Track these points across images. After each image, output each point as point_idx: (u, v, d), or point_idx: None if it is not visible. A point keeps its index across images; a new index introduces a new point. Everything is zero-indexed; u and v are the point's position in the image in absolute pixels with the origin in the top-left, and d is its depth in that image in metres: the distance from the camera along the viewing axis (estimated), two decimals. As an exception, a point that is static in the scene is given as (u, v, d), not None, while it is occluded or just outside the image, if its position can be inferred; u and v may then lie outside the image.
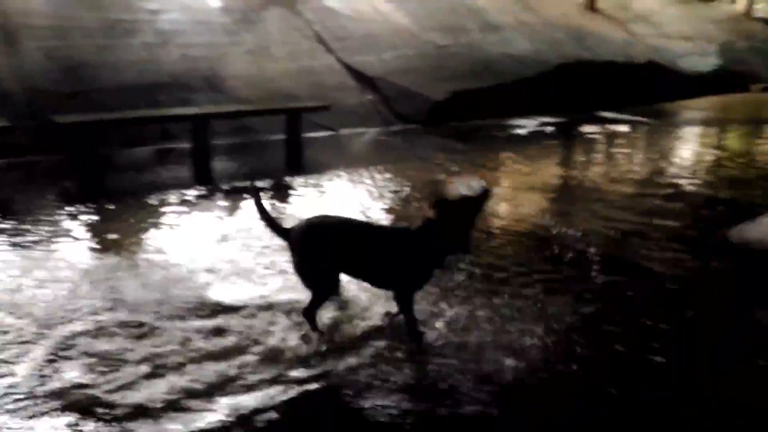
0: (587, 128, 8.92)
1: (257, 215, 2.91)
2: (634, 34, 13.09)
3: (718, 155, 7.63)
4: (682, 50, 13.13)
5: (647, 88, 11.41)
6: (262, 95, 7.67)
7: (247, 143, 7.01)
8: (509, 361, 2.65)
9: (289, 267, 2.89)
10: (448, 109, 8.81)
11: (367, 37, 9.38)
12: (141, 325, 2.88)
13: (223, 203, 5.00)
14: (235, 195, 5.14)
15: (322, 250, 2.76)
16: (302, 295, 2.87)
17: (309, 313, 2.82)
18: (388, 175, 5.87)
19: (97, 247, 4.00)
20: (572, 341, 2.87)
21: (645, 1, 15.53)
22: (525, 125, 8.96)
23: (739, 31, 15.83)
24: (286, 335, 2.80)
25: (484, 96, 9.21)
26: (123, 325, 2.88)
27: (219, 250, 3.85)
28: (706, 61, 13.25)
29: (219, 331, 2.85)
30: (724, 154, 7.79)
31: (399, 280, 2.82)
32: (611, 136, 8.56)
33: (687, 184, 5.92)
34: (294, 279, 2.87)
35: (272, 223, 2.90)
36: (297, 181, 5.66)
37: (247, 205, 4.66)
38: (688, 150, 7.81)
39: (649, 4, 15.38)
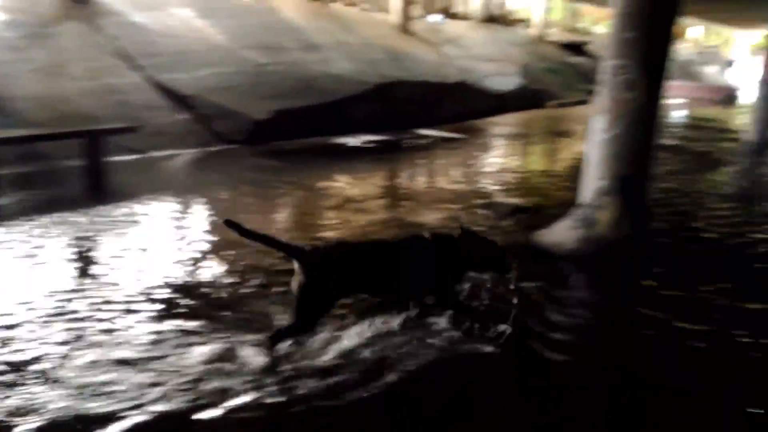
0: (407, 144, 9.28)
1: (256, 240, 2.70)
2: (446, 55, 14.00)
3: (522, 166, 8.31)
4: (488, 71, 14.30)
5: (459, 106, 12.21)
6: (57, 117, 6.86)
7: (39, 171, 6.20)
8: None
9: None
10: (270, 128, 8.62)
11: (179, 53, 8.88)
12: None
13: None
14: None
15: (339, 276, 2.71)
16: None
17: (279, 337, 2.68)
18: (199, 199, 5.52)
19: None
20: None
21: (454, 25, 16.71)
22: (349, 143, 9.06)
23: (535, 53, 17.67)
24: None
25: (307, 114, 9.17)
26: None
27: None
28: (508, 81, 14.56)
29: None
30: (527, 164, 8.51)
31: (428, 285, 2.93)
32: (429, 151, 8.97)
33: (495, 192, 6.33)
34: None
35: (278, 244, 2.76)
36: (93, 211, 5.06)
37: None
38: (497, 162, 8.40)
39: (457, 28, 16.58)
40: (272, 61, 9.83)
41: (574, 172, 5.01)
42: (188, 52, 9.01)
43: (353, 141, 9.16)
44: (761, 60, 10.53)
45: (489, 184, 6.76)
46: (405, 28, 13.85)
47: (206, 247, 4.27)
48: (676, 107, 18.09)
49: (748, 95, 16.72)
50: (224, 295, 3.45)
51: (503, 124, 12.27)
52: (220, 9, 10.34)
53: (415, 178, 7.56)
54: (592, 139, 4.76)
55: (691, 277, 4.11)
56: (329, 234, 4.74)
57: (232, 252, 4.02)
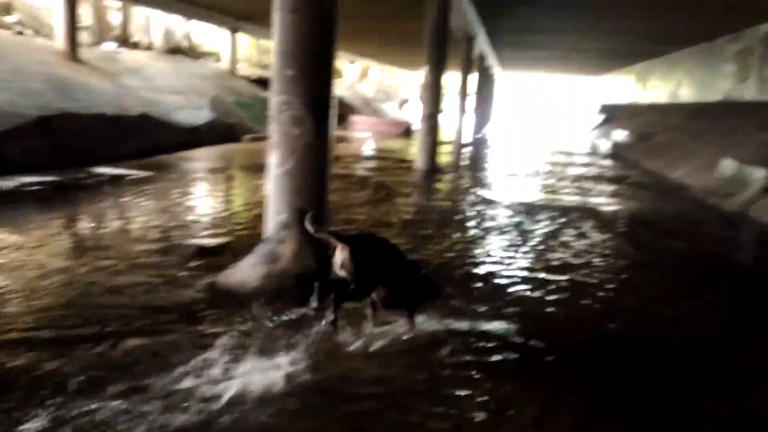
0: (83, 185, 8.18)
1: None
2: (126, 86, 12.96)
3: (212, 203, 8.02)
4: (175, 104, 13.69)
5: (145, 140, 11.38)
6: None
7: None
8: None
9: None
10: None
11: None
12: None
13: None
14: None
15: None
16: None
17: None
18: None
19: None
20: None
21: (135, 55, 15.65)
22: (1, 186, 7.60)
23: (226, 87, 17.60)
24: None
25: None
26: None
27: None
28: (199, 115, 14.16)
29: None
30: (218, 201, 8.25)
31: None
32: (110, 192, 8.03)
33: (182, 233, 5.92)
34: None
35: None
36: None
37: None
38: (185, 200, 7.95)
39: (139, 58, 15.57)
40: None
41: (263, 207, 4.93)
42: None
43: (7, 184, 7.72)
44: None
45: (174, 224, 6.31)
46: (73, 55, 12.41)
47: None
48: (362, 140, 19.89)
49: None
50: None
51: (196, 159, 11.82)
52: None
53: (83, 224, 6.66)
54: (270, 174, 4.77)
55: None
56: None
57: None
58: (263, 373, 3.14)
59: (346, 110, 26.08)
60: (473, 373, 3.29)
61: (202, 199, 8.10)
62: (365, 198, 8.54)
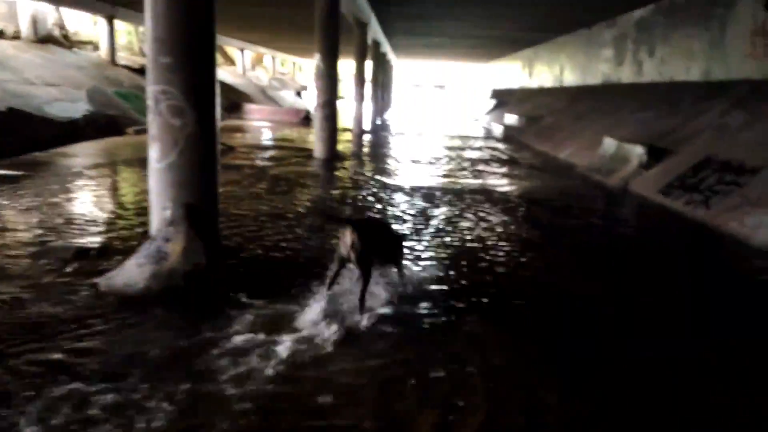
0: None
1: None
2: (-11, 79, 11.77)
3: (93, 201, 7.43)
4: (48, 96, 12.61)
5: (13, 137, 10.38)
6: None
7: None
8: None
9: None
10: None
11: None
12: None
13: None
14: None
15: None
16: None
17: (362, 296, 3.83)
18: None
19: None
20: None
21: (-1, 44, 14.26)
22: None
23: (105, 77, 16.46)
24: None
25: None
26: None
27: None
28: (76, 107, 13.13)
29: None
30: (100, 198, 7.66)
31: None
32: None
33: (56, 237, 5.41)
34: None
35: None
36: None
37: None
38: (63, 199, 7.31)
39: (3, 48, 14.19)
40: None
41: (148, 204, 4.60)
42: None
43: None
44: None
45: (50, 226, 5.77)
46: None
47: None
48: (259, 130, 19.35)
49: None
50: None
51: (74, 154, 10.93)
52: None
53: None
54: (150, 168, 4.44)
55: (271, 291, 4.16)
56: None
57: None
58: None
59: (239, 99, 25.28)
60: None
61: (81, 198, 7.48)
62: (262, 190, 8.26)
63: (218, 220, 4.77)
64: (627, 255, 5.96)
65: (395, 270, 4.43)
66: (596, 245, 6.20)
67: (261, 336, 3.50)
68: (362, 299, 3.79)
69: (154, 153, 4.34)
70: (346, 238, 3.77)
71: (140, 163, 9.43)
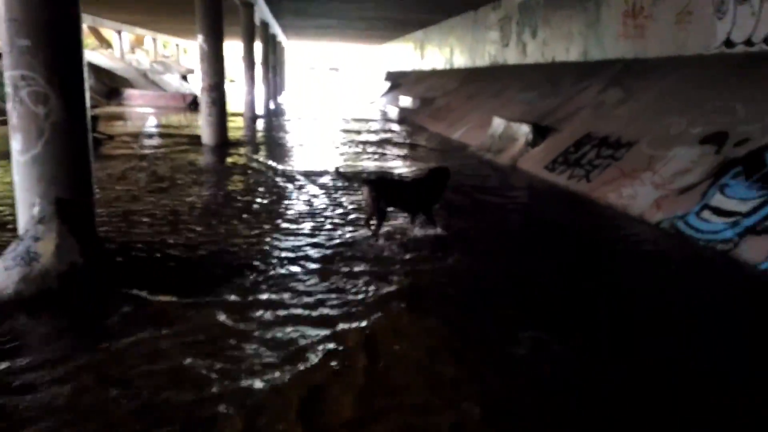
0: None
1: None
2: None
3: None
4: None
5: None
6: None
7: None
8: None
9: None
10: None
11: None
12: None
13: None
14: None
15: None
16: None
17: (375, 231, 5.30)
18: None
19: None
20: None
21: None
22: None
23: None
24: None
25: None
26: None
27: None
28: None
29: None
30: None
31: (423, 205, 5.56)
32: None
33: None
34: None
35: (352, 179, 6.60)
36: None
37: None
38: None
39: None
40: None
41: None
42: None
43: None
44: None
45: None
46: None
47: None
48: (143, 116, 18.28)
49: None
50: None
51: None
52: None
53: None
54: (14, 160, 4.01)
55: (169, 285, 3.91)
56: None
57: None
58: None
59: (118, 84, 23.77)
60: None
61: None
62: (143, 184, 7.77)
63: (94, 214, 4.41)
64: (516, 230, 6.21)
65: (414, 216, 5.62)
66: (489, 222, 6.39)
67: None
68: (377, 231, 5.29)
69: (16, 144, 3.92)
70: (365, 194, 5.25)
71: (5, 155, 8.58)
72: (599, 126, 8.94)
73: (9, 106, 3.91)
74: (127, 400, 2.72)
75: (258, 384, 2.88)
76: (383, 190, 5.29)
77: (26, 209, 4.05)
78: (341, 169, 5.79)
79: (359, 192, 5.35)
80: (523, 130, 10.26)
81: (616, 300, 4.18)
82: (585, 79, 11.11)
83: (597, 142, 8.48)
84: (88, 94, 4.19)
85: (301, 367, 3.05)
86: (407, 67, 28.68)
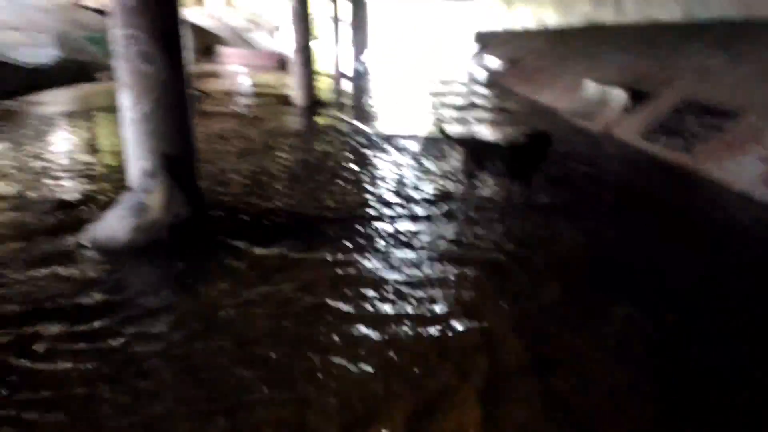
0: None
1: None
2: (-52, 22, 11.21)
3: (71, 150, 7.23)
4: (13, 41, 12.08)
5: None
6: None
7: None
8: None
9: None
10: None
11: None
12: None
13: None
14: None
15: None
16: None
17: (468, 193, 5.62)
18: None
19: None
20: None
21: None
22: None
23: (72, 20, 15.77)
24: None
25: None
26: None
27: None
28: (43, 53, 12.61)
29: None
30: (77, 148, 7.46)
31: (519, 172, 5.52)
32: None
33: (36, 188, 5.29)
34: None
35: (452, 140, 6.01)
36: None
37: None
38: (39, 149, 7.10)
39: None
40: None
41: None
42: None
43: None
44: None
45: (30, 178, 5.63)
46: None
47: None
48: (235, 75, 18.83)
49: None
50: None
51: (47, 103, 10.59)
52: None
53: None
54: (125, 117, 4.30)
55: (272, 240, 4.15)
56: None
57: None
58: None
59: (212, 42, 24.46)
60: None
61: (58, 148, 7.29)
62: (238, 143, 8.08)
63: (197, 169, 4.68)
64: (612, 203, 6.01)
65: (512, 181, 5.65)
66: (584, 194, 6.21)
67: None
68: (470, 193, 5.66)
69: (127, 101, 4.20)
70: (460, 155, 5.75)
71: (115, 110, 9.16)
72: (701, 93, 8.39)
73: (118, 63, 4.16)
74: (236, 347, 2.94)
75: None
76: (478, 152, 5.55)
77: (136, 163, 4.35)
78: (442, 127, 5.99)
79: (455, 154, 5.74)
80: (618, 95, 9.78)
81: (713, 282, 4.02)
82: (687, 41, 10.39)
83: (699, 110, 7.98)
84: (188, 52, 4.39)
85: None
86: (496, 27, 27.80)
